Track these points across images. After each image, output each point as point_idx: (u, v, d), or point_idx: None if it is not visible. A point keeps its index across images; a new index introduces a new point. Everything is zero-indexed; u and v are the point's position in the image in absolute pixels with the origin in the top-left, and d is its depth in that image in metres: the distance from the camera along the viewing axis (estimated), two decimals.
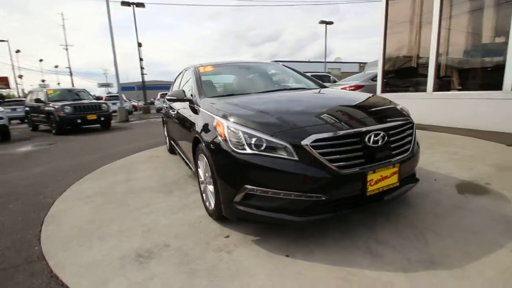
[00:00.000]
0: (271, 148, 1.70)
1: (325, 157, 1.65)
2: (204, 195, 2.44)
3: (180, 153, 3.68)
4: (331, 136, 1.70)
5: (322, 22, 23.40)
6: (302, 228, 2.02)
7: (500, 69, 4.86)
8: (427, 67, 5.93)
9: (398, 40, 6.87)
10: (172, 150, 4.63)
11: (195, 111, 2.56)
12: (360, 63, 35.69)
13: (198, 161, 2.43)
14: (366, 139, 1.75)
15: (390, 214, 2.18)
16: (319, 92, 2.79)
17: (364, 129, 1.78)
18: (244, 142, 1.76)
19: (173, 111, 3.63)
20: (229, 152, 1.80)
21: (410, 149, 1.99)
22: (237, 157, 1.77)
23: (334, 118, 1.88)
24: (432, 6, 5.69)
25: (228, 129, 1.87)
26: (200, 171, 2.45)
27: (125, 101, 18.69)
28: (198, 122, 2.36)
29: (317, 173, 1.64)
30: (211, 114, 2.16)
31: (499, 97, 4.84)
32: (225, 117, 1.98)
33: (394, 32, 6.88)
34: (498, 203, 2.26)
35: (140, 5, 20.12)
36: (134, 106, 23.37)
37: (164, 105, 4.75)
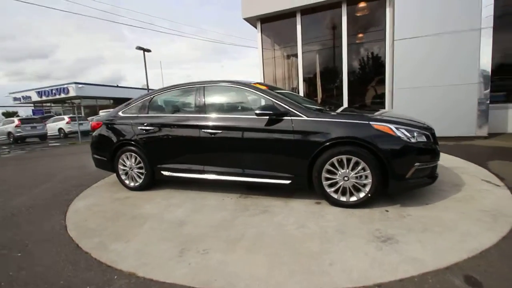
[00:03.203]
0: (424, 135, 2.50)
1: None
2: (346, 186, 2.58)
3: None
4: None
5: (140, 48, 22.99)
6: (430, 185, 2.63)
7: None
8: None
9: None
10: (147, 185, 3.50)
11: (311, 123, 2.64)
12: None
13: (339, 165, 2.56)
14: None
15: None
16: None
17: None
18: (408, 135, 2.45)
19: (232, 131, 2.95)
20: (403, 143, 2.41)
21: None
22: (409, 145, 2.43)
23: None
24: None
25: (396, 130, 2.46)
26: (340, 172, 2.56)
27: None
28: (341, 127, 2.55)
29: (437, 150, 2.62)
30: (363, 122, 2.53)
31: None
32: (389, 122, 2.51)
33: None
34: None
35: None
36: None
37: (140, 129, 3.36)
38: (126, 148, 3.53)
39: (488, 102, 5.44)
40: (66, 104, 28.93)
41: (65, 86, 27.34)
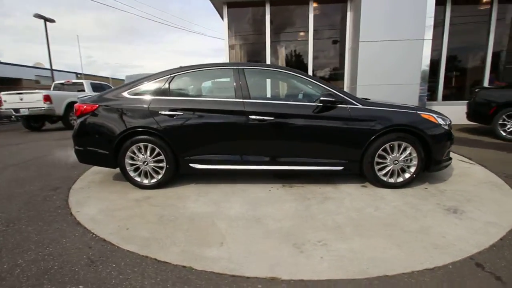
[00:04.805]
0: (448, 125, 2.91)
1: None
2: (394, 169, 2.83)
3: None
4: None
5: (39, 16, 18.52)
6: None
7: None
8: None
9: None
10: (167, 182, 2.94)
11: (357, 111, 2.77)
12: (76, 73, 31.10)
13: (390, 150, 2.79)
14: None
15: None
16: None
17: None
18: (443, 123, 2.85)
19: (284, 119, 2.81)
20: (443, 130, 2.81)
21: None
22: (446, 131, 2.83)
23: None
24: None
25: (437, 118, 2.83)
26: (391, 156, 2.79)
27: None
28: (396, 116, 2.78)
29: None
30: (412, 111, 2.84)
31: None
32: (431, 111, 2.90)
33: None
34: None
35: None
36: None
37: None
38: (139, 138, 2.87)
39: (426, 99, 6.81)
40: None
41: None
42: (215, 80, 3.08)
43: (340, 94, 2.82)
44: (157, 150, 2.88)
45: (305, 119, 2.80)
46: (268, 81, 3.17)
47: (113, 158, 2.94)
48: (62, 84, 10.28)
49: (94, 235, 2.06)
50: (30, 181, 3.38)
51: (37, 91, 8.55)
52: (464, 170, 3.51)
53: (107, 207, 2.56)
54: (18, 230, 2.16)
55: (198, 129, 2.86)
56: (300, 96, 3.15)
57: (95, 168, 3.82)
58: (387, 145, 2.79)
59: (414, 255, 1.76)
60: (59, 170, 3.88)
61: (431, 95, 7.68)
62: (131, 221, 2.28)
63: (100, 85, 10.98)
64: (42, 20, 15.80)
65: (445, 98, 7.72)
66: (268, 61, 7.67)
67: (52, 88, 10.18)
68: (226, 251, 1.82)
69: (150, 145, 2.88)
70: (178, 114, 2.83)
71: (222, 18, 7.86)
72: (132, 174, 2.95)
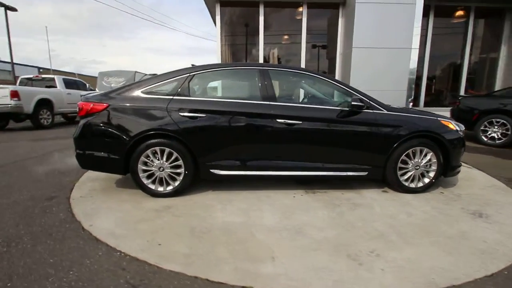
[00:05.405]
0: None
1: None
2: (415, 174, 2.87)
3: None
4: None
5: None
6: None
7: None
8: None
9: None
10: (184, 189, 2.70)
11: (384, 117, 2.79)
12: (38, 67, 28.22)
13: (413, 155, 2.84)
14: None
15: None
16: None
17: None
18: (459, 129, 2.95)
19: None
20: (459, 135, 2.91)
21: None
22: (461, 137, 2.93)
23: None
24: None
25: (455, 125, 2.94)
26: (413, 162, 2.84)
27: None
28: (420, 122, 2.85)
29: None
30: (433, 118, 2.93)
31: None
32: (448, 118, 3.03)
33: None
34: None
35: None
36: None
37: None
38: (156, 141, 2.62)
39: (411, 104, 7.17)
40: None
41: None
42: (239, 81, 2.93)
43: (367, 99, 2.81)
44: (175, 154, 2.65)
45: (333, 123, 2.74)
46: (293, 84, 3.07)
47: (124, 163, 2.65)
48: (29, 79, 9.30)
49: (122, 254, 1.81)
50: (17, 190, 2.94)
51: (2, 86, 7.61)
52: (466, 174, 3.69)
53: (123, 219, 2.29)
54: (25, 251, 1.83)
55: (221, 133, 2.68)
56: (325, 100, 3.10)
57: (90, 174, 3.45)
58: (409, 151, 2.83)
59: (467, 262, 1.76)
60: (47, 176, 3.44)
61: (414, 101, 8.11)
62: (159, 235, 2.05)
63: (73, 81, 10.13)
64: (2, 8, 14.26)
65: (426, 104, 8.21)
66: (261, 62, 7.59)
67: (18, 83, 9.16)
68: (281, 266, 1.69)
69: (167, 149, 2.63)
70: (200, 116, 2.62)
71: (214, 17, 7.64)
72: (145, 181, 2.68)
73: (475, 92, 8.15)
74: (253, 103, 2.73)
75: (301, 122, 2.69)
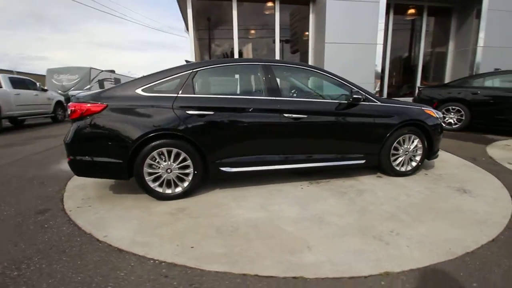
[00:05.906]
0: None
1: None
2: (404, 159, 3.18)
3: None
4: None
5: None
6: None
7: None
8: None
9: None
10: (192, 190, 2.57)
11: (375, 107, 3.01)
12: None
13: (403, 142, 3.12)
14: None
15: None
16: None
17: None
18: (439, 116, 3.31)
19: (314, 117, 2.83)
20: (439, 122, 3.26)
21: None
22: (441, 123, 3.29)
23: None
24: None
25: (435, 113, 3.28)
26: (403, 148, 3.13)
27: None
28: (409, 111, 3.11)
29: None
30: (418, 107, 3.21)
31: None
32: (429, 107, 3.33)
33: None
34: None
35: None
36: None
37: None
38: (163, 141, 2.50)
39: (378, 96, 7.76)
40: None
41: None
42: (242, 76, 2.90)
43: (363, 92, 3.00)
44: (183, 154, 2.56)
45: (336, 116, 2.89)
46: (300, 78, 3.15)
47: (127, 167, 2.48)
48: None
49: (156, 261, 1.72)
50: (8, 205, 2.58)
51: None
52: (439, 157, 4.16)
53: (140, 226, 2.16)
54: (42, 272, 1.64)
55: (230, 130, 2.65)
56: (324, 93, 3.23)
57: (75, 182, 3.16)
58: (400, 138, 3.11)
59: (471, 231, 2.03)
60: (25, 188, 3.06)
61: (379, 93, 8.78)
62: (186, 237, 1.98)
63: (21, 80, 8.97)
64: None
65: (389, 95, 8.95)
66: (236, 57, 7.54)
67: None
68: (321, 254, 1.77)
69: (175, 150, 2.53)
70: (208, 114, 2.56)
71: (185, 10, 7.34)
72: (151, 184, 2.55)
73: (428, 83, 9.10)
74: (261, 98, 2.74)
75: (306, 116, 2.78)
